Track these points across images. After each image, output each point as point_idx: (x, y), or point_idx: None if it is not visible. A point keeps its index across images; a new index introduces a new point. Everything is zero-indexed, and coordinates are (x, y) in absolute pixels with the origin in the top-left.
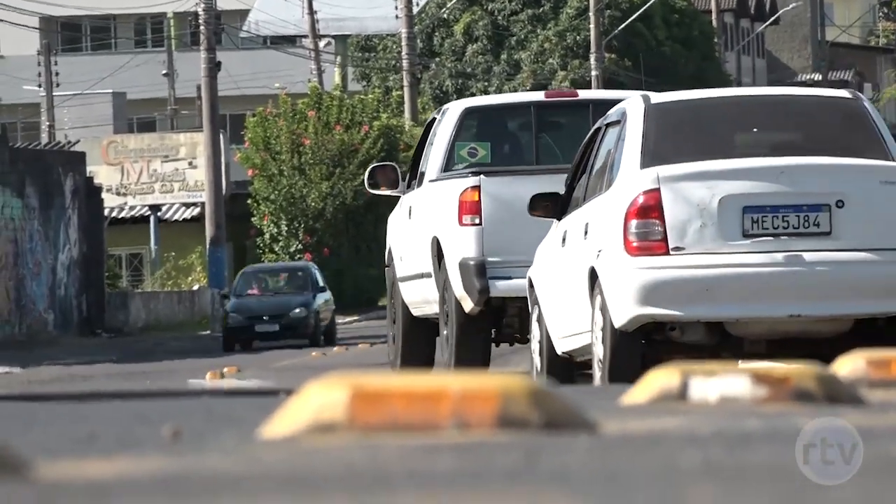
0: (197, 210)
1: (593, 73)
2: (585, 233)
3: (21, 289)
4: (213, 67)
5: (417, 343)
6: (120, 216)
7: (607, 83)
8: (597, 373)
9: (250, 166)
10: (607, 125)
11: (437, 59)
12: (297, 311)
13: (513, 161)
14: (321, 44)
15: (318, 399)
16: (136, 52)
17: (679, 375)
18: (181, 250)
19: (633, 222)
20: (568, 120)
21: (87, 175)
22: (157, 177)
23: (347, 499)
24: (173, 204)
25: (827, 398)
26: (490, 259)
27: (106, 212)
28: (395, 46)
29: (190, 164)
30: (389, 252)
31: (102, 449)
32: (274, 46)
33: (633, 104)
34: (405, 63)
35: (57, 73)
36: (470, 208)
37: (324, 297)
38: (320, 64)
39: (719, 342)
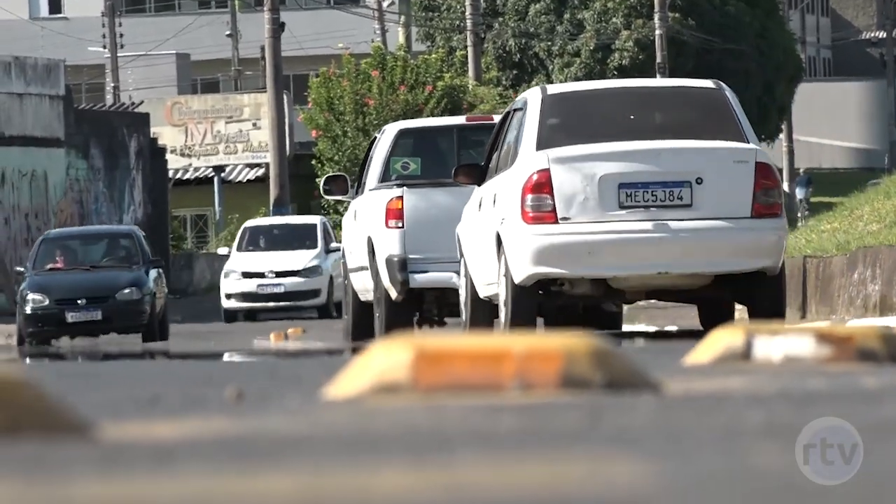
0: (261, 171)
1: (657, 32)
2: (494, 202)
3: None
4: (277, 28)
5: (364, 321)
6: (184, 177)
7: (671, 42)
8: (502, 317)
9: (314, 127)
10: (515, 110)
11: (501, 18)
12: (127, 291)
13: (439, 173)
14: (384, 3)
15: (381, 360)
16: (200, 12)
17: (743, 335)
18: (245, 211)
19: (529, 196)
20: (484, 138)
21: (152, 136)
22: (221, 138)
23: (410, 459)
24: (237, 165)
25: (890, 357)
26: (410, 256)
27: (170, 173)
28: (458, 6)
29: (254, 125)
30: (343, 247)
31: (166, 410)
32: (337, 6)
33: (532, 94)
34: (469, 23)
35: (121, 35)
36: (395, 214)
37: (156, 273)
38: (384, 24)
39: (604, 294)
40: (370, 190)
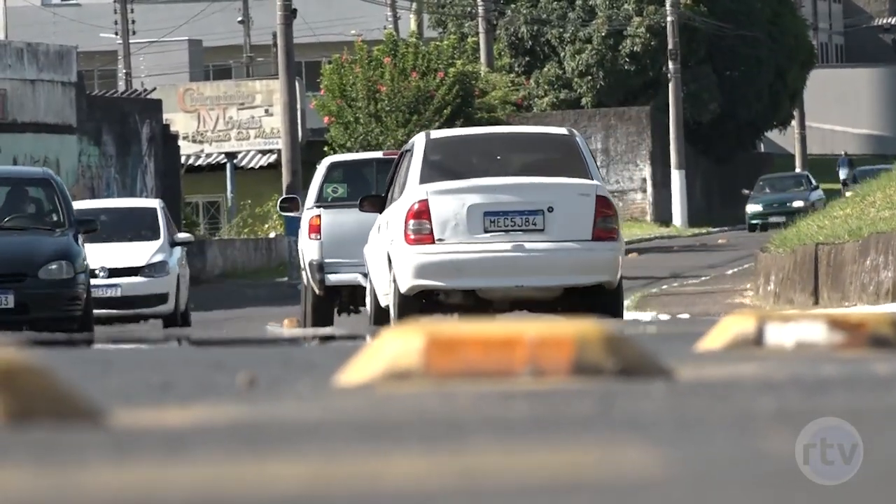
0: (273, 157)
1: (669, 18)
2: (387, 227)
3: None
4: (289, 14)
5: (323, 313)
6: (196, 164)
7: (683, 29)
8: (392, 319)
9: (326, 113)
10: (406, 152)
11: (513, 5)
12: (53, 266)
13: (361, 196)
14: None
15: (393, 346)
16: None
17: (755, 321)
18: (257, 198)
19: (411, 222)
20: None
21: (164, 123)
22: (233, 124)
23: (423, 445)
24: (249, 151)
25: None
26: (326, 261)
27: (182, 159)
28: None
29: (266, 111)
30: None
31: (178, 396)
32: None
33: (418, 139)
34: (480, 10)
35: (133, 21)
36: (314, 229)
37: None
38: (396, 10)
39: (474, 303)
40: (306, 209)
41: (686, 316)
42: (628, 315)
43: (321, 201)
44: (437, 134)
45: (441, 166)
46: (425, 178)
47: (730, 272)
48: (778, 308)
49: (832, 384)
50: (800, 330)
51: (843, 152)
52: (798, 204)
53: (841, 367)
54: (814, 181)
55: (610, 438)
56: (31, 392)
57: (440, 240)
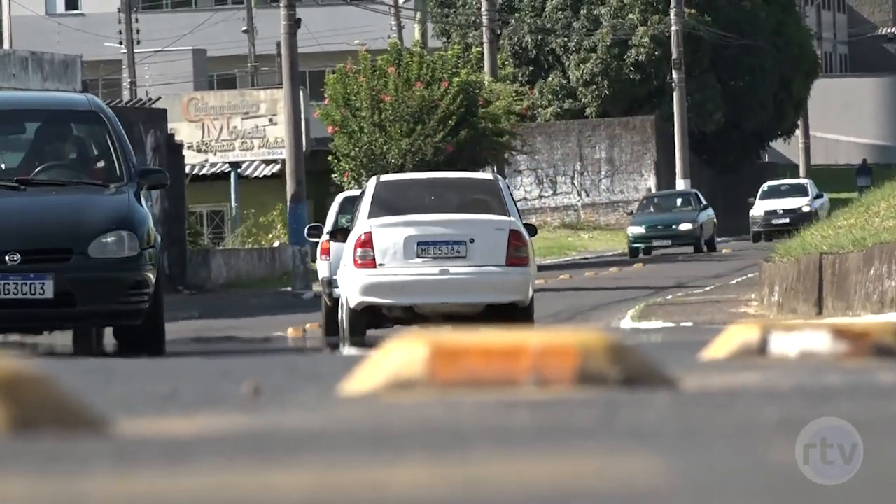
0: (277, 167)
1: (673, 28)
2: (345, 254)
3: None
4: (294, 24)
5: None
6: (201, 173)
7: (687, 38)
8: (342, 331)
9: (330, 123)
10: (363, 191)
11: (517, 14)
12: (110, 239)
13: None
14: (401, 0)
15: (397, 356)
16: (217, 8)
17: (759, 331)
18: (261, 207)
19: (358, 249)
20: None
21: (168, 132)
22: (238, 134)
23: (426, 455)
24: (254, 161)
25: None
26: (334, 277)
27: (187, 169)
28: (474, 2)
29: (270, 120)
30: None
31: (183, 406)
32: (354, 3)
33: (371, 181)
34: (485, 19)
35: (138, 31)
36: (325, 251)
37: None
38: (400, 20)
39: (412, 317)
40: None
41: (690, 325)
42: (632, 325)
43: (335, 229)
44: (385, 177)
45: (386, 204)
46: (372, 213)
47: (734, 282)
48: (782, 318)
49: (836, 393)
50: (804, 339)
51: (862, 160)
52: (685, 227)
53: (845, 376)
54: (703, 200)
55: (613, 448)
56: (34, 401)
57: (381, 265)
